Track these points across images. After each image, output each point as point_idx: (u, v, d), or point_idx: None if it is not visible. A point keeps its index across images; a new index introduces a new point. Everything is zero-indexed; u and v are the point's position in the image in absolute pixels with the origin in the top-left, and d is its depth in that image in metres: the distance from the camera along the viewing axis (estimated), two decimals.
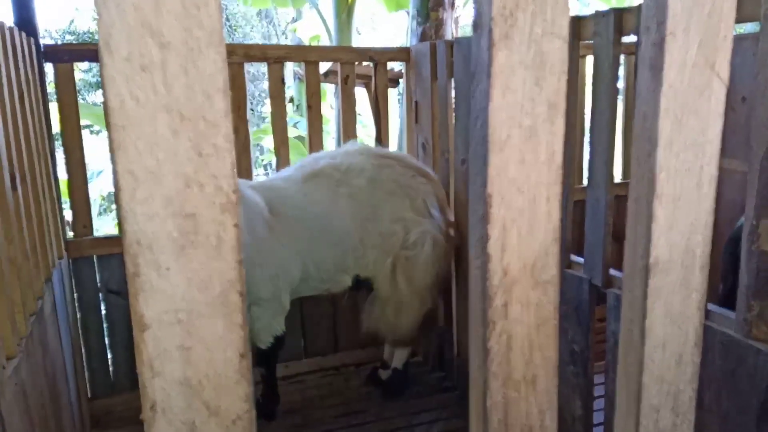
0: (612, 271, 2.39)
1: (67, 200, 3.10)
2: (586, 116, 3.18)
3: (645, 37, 0.74)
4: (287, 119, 3.36)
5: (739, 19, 1.74)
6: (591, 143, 2.41)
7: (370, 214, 2.99)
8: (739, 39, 3.53)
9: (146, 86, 0.52)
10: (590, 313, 2.50)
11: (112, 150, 0.52)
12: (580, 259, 2.54)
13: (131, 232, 0.55)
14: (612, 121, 2.30)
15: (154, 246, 0.55)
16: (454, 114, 3.11)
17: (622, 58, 2.54)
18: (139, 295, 0.56)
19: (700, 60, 0.72)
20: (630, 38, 2.27)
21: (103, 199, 9.45)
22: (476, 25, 0.68)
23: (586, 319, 2.50)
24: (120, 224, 0.55)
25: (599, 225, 2.38)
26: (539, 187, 0.71)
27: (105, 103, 0.51)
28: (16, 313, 1.87)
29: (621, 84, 3.16)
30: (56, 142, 3.02)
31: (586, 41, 2.43)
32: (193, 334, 0.59)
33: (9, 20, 2.49)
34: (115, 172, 0.53)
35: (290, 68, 8.40)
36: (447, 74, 3.12)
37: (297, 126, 7.92)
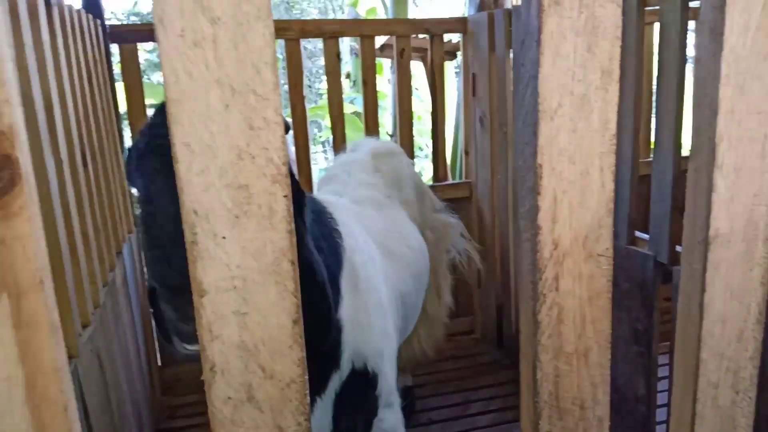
0: (679, 248, 2.31)
1: None
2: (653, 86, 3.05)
3: (705, 1, 0.71)
4: (344, 95, 3.37)
5: None
6: (657, 114, 2.32)
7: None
8: None
9: (199, 61, 0.54)
10: (655, 292, 2.43)
11: (170, 123, 0.55)
12: (645, 236, 2.46)
13: (188, 202, 0.57)
14: (680, 91, 2.20)
15: (210, 216, 0.58)
16: (512, 86, 3.05)
17: (691, 24, 2.42)
18: (197, 263, 0.59)
19: (765, 23, 0.68)
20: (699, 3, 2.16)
21: None
22: None
23: (651, 297, 2.43)
24: (179, 196, 0.58)
25: (665, 199, 2.30)
26: (592, 157, 0.70)
27: (163, 79, 0.54)
28: (90, 284, 1.98)
29: (690, 52, 3.00)
30: (122, 121, 3.15)
31: (652, 7, 2.32)
32: (248, 301, 0.61)
33: (77, 3, 2.59)
34: (173, 145, 0.55)
35: (347, 43, 8.40)
36: (505, 45, 3.05)
37: (354, 102, 7.94)
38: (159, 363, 3.35)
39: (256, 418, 0.65)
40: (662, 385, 2.56)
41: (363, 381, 1.75)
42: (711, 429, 0.81)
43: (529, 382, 0.78)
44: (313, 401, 1.59)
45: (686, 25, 2.15)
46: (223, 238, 0.59)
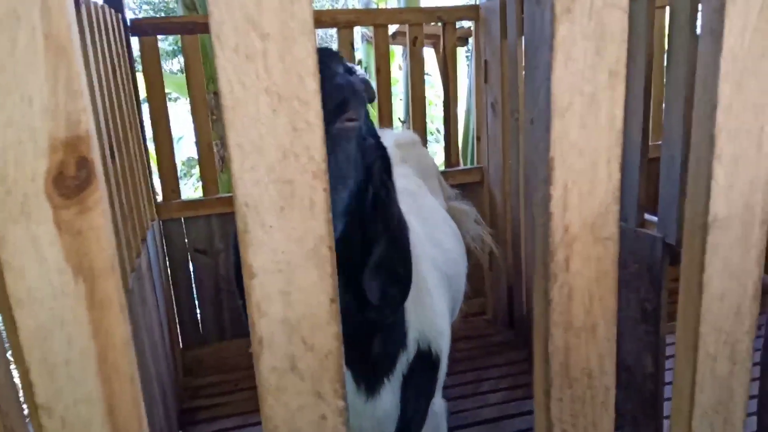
0: None
1: (156, 166, 3.32)
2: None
3: (705, 3, 0.77)
4: None
5: None
6: (666, 99, 2.36)
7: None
8: None
9: (250, 72, 0.61)
10: (662, 272, 2.49)
11: (225, 127, 0.62)
12: (655, 218, 2.52)
13: (241, 195, 0.65)
14: (690, 76, 2.24)
15: (259, 207, 0.66)
16: (524, 73, 3.09)
17: (700, 7, 2.44)
18: (248, 249, 0.67)
19: (762, 24, 0.74)
20: None
21: (183, 164, 9.90)
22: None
23: (659, 278, 2.49)
24: (232, 190, 0.66)
25: (674, 183, 2.35)
26: (599, 151, 0.76)
27: (218, 88, 0.61)
28: (120, 270, 2.07)
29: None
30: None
31: None
32: (292, 282, 0.69)
33: None
34: (227, 146, 0.63)
35: (358, 29, 8.42)
36: (517, 32, 3.09)
37: None
38: (181, 346, 3.47)
39: (298, 385, 0.74)
40: (670, 363, 2.63)
41: (428, 363, 1.73)
42: (709, 397, 0.88)
43: (541, 355, 0.85)
44: (381, 383, 1.60)
45: (696, 9, 2.18)
46: (271, 227, 0.67)
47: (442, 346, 1.79)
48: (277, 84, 0.62)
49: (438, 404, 1.93)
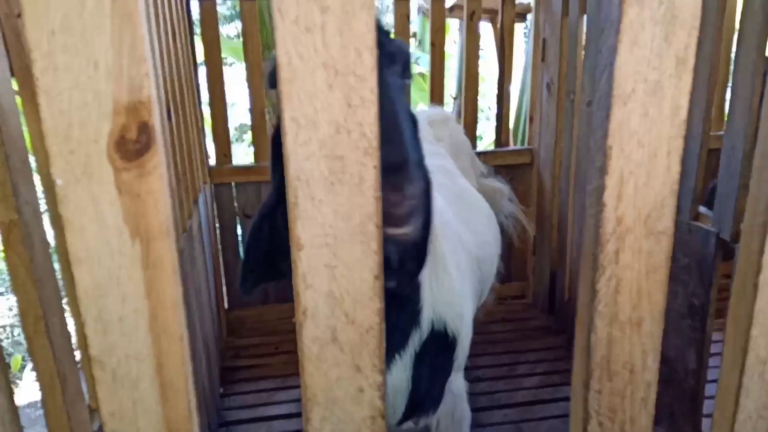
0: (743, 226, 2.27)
1: (209, 130, 3.39)
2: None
3: None
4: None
5: None
6: (733, 86, 2.26)
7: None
8: None
9: (309, 45, 0.61)
10: (714, 268, 2.41)
11: (280, 100, 0.63)
12: (710, 212, 2.43)
13: (293, 169, 0.66)
14: (759, 63, 2.13)
15: (310, 181, 0.66)
16: (584, 53, 3.00)
17: None
18: (297, 221, 0.68)
19: None
20: None
21: (236, 129, 10.04)
22: None
23: (709, 273, 2.42)
24: (284, 163, 0.67)
25: (733, 176, 2.26)
26: (660, 141, 0.74)
27: (276, 60, 0.62)
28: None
29: None
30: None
31: None
32: (337, 256, 0.70)
33: None
34: (282, 119, 0.63)
35: (415, 1, 8.29)
36: (579, 10, 3.00)
37: (418, 62, 7.89)
38: (225, 306, 3.57)
39: (338, 357, 0.75)
40: (714, 361, 2.56)
41: (443, 343, 1.71)
42: (755, 400, 0.86)
43: (583, 345, 0.84)
44: (392, 357, 1.60)
45: None
46: (320, 201, 0.67)
47: (460, 329, 1.76)
48: (334, 58, 0.62)
49: (456, 384, 1.91)
